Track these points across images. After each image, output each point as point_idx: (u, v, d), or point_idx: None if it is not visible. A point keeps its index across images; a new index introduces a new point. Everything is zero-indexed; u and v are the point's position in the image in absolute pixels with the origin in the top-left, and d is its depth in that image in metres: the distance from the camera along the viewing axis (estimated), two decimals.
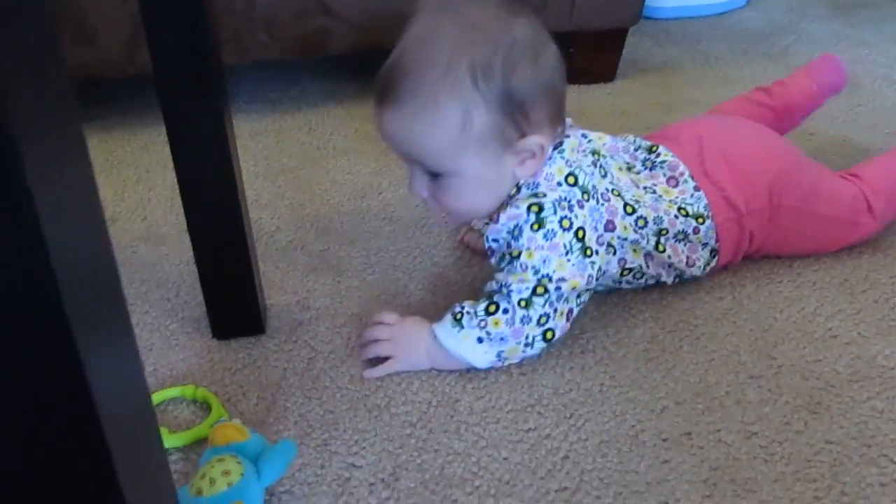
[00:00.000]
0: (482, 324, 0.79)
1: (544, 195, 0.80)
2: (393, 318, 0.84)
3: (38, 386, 0.30)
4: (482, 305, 0.80)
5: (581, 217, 0.80)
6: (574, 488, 0.70)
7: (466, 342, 0.80)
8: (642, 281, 0.90)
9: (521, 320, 0.79)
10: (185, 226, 0.81)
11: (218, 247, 0.83)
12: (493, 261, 0.85)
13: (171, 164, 0.77)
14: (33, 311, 0.28)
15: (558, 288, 0.79)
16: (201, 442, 0.74)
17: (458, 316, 0.80)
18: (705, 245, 0.90)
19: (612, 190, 0.84)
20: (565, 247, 0.79)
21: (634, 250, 0.87)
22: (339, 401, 0.79)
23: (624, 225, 0.84)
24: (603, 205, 0.83)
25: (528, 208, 0.79)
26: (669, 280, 0.91)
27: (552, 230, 0.79)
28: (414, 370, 0.82)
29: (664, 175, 0.91)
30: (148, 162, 1.27)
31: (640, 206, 0.85)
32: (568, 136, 0.84)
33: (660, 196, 0.88)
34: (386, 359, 0.82)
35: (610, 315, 0.90)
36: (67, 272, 0.28)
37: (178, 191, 0.79)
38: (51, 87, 0.30)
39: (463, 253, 1.02)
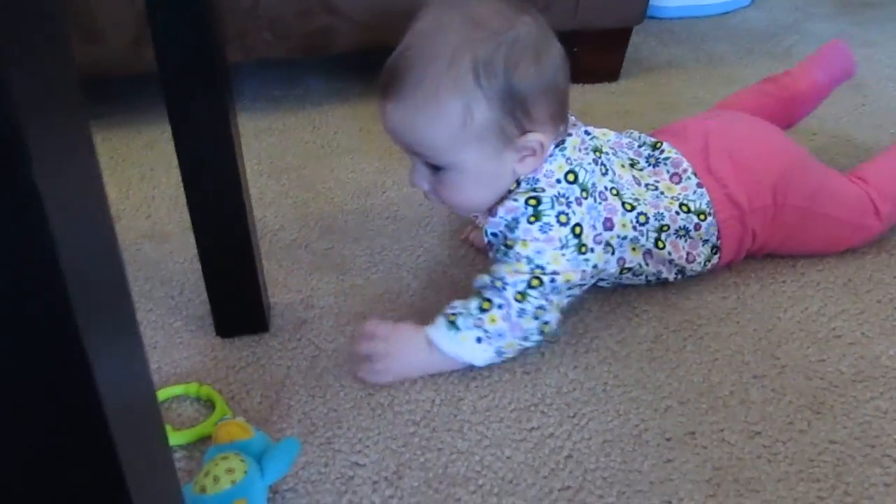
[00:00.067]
0: (479, 323, 0.79)
1: (543, 190, 0.81)
2: (386, 329, 0.81)
3: (46, 383, 0.30)
4: (475, 304, 0.80)
5: (579, 214, 0.81)
6: (577, 487, 0.70)
7: (466, 343, 0.79)
8: (642, 277, 0.90)
9: (518, 314, 0.79)
10: (189, 224, 0.82)
11: (222, 245, 0.83)
12: (491, 254, 0.85)
13: (175, 162, 0.78)
14: (41, 309, 0.28)
15: (552, 280, 0.79)
16: (205, 440, 0.74)
17: (453, 318, 0.80)
18: (706, 242, 0.90)
19: (612, 189, 0.85)
20: (561, 241, 0.80)
21: (633, 249, 0.87)
22: (343, 399, 0.79)
23: (623, 222, 0.84)
24: (601, 203, 0.83)
25: (526, 201, 0.80)
26: (671, 276, 0.91)
27: (548, 223, 0.80)
28: (413, 376, 0.81)
29: (667, 172, 0.91)
30: (152, 160, 1.27)
31: (639, 204, 0.86)
32: (570, 135, 0.84)
33: (662, 192, 0.88)
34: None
35: (614, 314, 0.90)
36: (75, 270, 0.28)
37: (182, 189, 0.79)
38: (59, 85, 0.30)
39: (467, 251, 1.02)
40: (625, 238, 0.85)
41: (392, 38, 0.81)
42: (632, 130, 0.98)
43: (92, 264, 0.31)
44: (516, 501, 0.69)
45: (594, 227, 0.82)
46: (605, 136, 0.93)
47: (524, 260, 0.79)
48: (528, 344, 0.81)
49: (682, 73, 1.57)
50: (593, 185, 0.83)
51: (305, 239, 1.05)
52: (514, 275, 0.79)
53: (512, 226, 0.81)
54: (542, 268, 0.79)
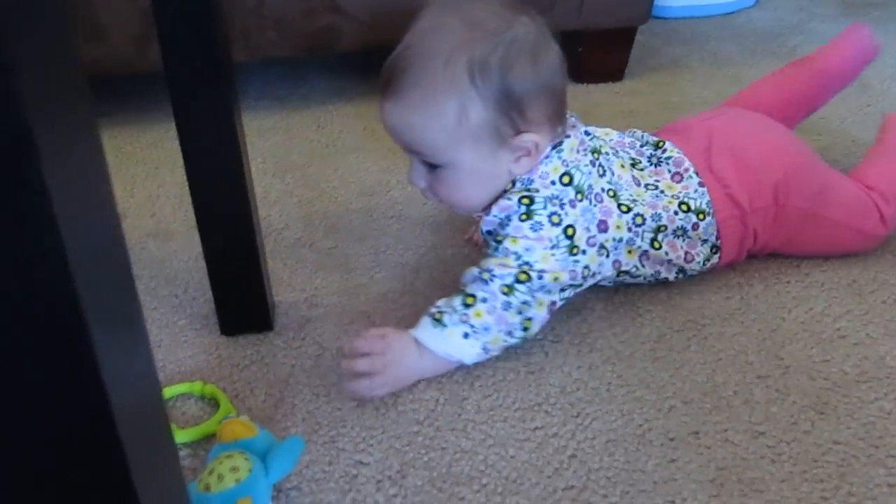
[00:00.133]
0: (464, 318, 0.79)
1: (537, 191, 0.81)
2: (380, 344, 0.79)
3: (53, 380, 0.30)
4: (458, 300, 0.80)
5: (572, 216, 0.81)
6: (581, 487, 0.70)
7: (453, 340, 0.79)
8: (640, 279, 0.90)
9: (503, 307, 0.79)
10: (193, 222, 0.82)
11: (226, 243, 0.83)
12: (485, 251, 0.86)
13: (179, 160, 0.78)
14: (49, 306, 0.28)
15: (540, 277, 0.80)
16: (209, 438, 0.75)
17: (438, 315, 0.80)
18: (705, 241, 0.90)
19: (608, 190, 0.85)
20: (551, 241, 0.80)
21: (629, 251, 0.87)
22: (347, 398, 0.79)
23: (618, 224, 0.84)
24: (596, 205, 0.83)
25: (520, 200, 0.81)
26: (671, 276, 0.91)
27: (539, 222, 0.80)
28: (404, 385, 0.80)
29: (669, 171, 0.91)
30: (157, 158, 1.27)
31: (636, 205, 0.86)
32: (568, 136, 0.84)
33: (662, 191, 0.88)
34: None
35: (617, 314, 0.90)
36: (83, 267, 0.28)
37: (186, 187, 0.79)
38: (67, 84, 0.30)
39: (471, 251, 1.02)
40: (620, 240, 0.85)
41: (396, 37, 0.82)
42: (634, 130, 0.98)
43: (100, 262, 0.31)
44: (520, 500, 0.69)
45: (588, 229, 0.83)
46: (608, 136, 0.93)
47: (512, 255, 0.80)
48: (511, 340, 0.81)
49: (687, 73, 1.57)
50: (589, 186, 0.83)
51: (310, 238, 1.06)
52: (502, 268, 0.80)
53: (504, 223, 0.82)
54: (530, 265, 0.80)
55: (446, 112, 0.78)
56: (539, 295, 0.81)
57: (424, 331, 0.80)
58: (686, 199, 0.88)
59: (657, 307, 0.90)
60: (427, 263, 1.00)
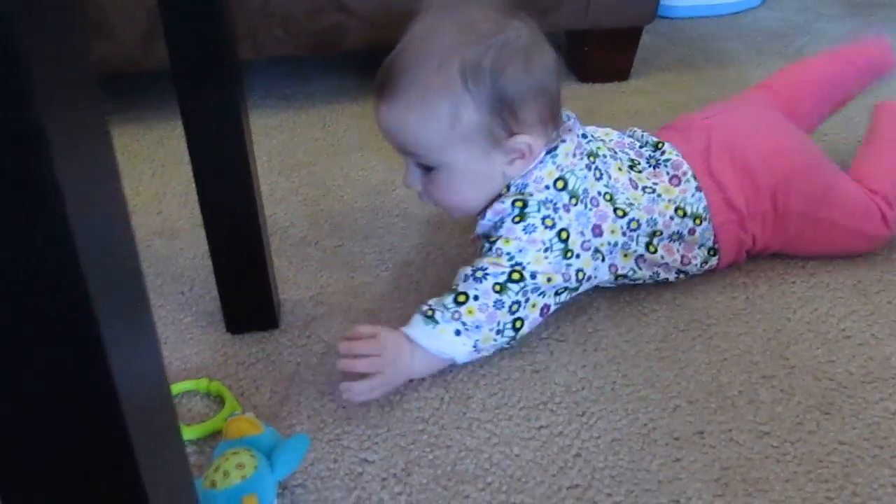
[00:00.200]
0: (456, 315, 0.79)
1: (531, 195, 0.82)
2: (375, 346, 0.78)
3: (63, 375, 0.30)
4: (450, 298, 0.80)
5: (566, 220, 0.82)
6: (586, 486, 0.70)
7: (444, 337, 0.79)
8: (640, 281, 0.90)
9: (495, 304, 0.79)
10: (199, 220, 0.82)
11: (232, 241, 0.83)
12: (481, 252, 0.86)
13: (185, 158, 0.78)
14: (60, 302, 0.29)
15: (533, 277, 0.80)
16: (215, 435, 0.75)
17: (430, 313, 0.80)
18: (702, 245, 0.90)
19: (605, 194, 0.85)
20: (544, 243, 0.81)
21: (625, 255, 0.87)
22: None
23: (612, 228, 0.85)
24: (591, 209, 0.84)
25: (513, 203, 0.82)
26: (671, 277, 0.91)
27: (532, 225, 0.81)
28: (396, 385, 0.80)
29: (667, 174, 0.90)
30: (163, 156, 1.28)
31: (632, 209, 0.86)
32: (564, 141, 0.84)
33: (659, 195, 0.88)
34: (363, 376, 0.77)
35: (622, 313, 0.90)
36: (93, 264, 0.29)
37: (192, 185, 0.80)
38: (77, 80, 0.30)
39: (476, 250, 1.02)
40: (615, 244, 0.85)
41: (401, 36, 0.82)
42: (635, 129, 0.97)
43: (109, 258, 0.31)
44: (525, 499, 0.69)
45: (582, 233, 0.83)
46: (608, 136, 0.93)
47: (505, 256, 0.80)
48: (502, 340, 0.81)
49: (693, 73, 1.56)
50: (584, 191, 0.83)
51: (315, 236, 1.06)
52: (495, 267, 0.80)
53: (498, 225, 0.83)
54: (522, 265, 0.80)
55: (439, 114, 0.79)
56: (532, 296, 0.81)
57: (416, 328, 0.80)
58: (683, 204, 0.88)
59: (662, 307, 0.90)
60: (432, 262, 1.00)
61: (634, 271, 0.88)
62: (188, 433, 0.75)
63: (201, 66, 0.73)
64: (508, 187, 0.84)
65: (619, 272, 0.88)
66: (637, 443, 0.74)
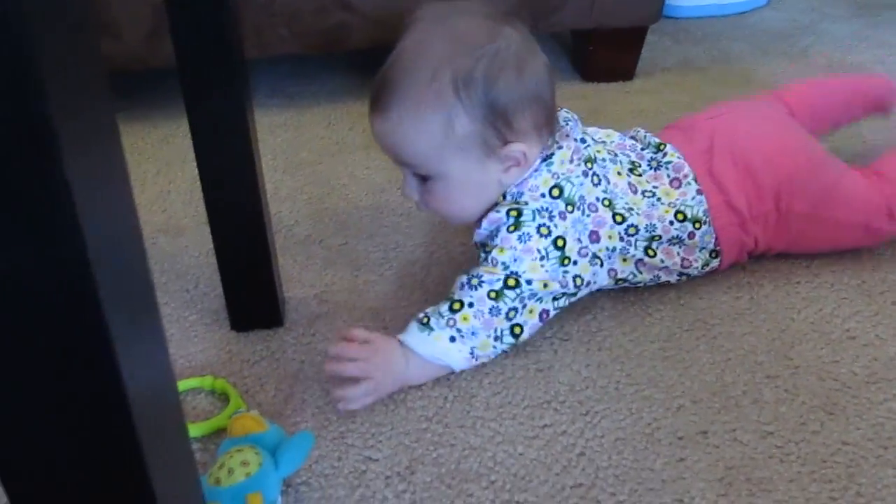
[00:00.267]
0: (451, 322, 0.79)
1: (526, 203, 0.82)
2: (367, 351, 0.78)
3: (72, 372, 0.30)
4: (445, 305, 0.80)
5: (562, 227, 0.82)
6: (589, 485, 0.70)
7: (439, 343, 0.79)
8: (640, 284, 0.90)
9: (490, 311, 0.79)
10: (204, 218, 0.82)
11: (237, 239, 0.84)
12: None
13: (191, 156, 0.78)
14: (68, 299, 0.29)
15: (529, 283, 0.80)
16: (220, 432, 0.75)
17: (425, 320, 0.80)
18: (702, 248, 0.90)
19: (603, 200, 0.85)
20: (539, 252, 0.81)
21: (624, 259, 0.87)
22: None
23: (610, 234, 0.85)
24: (589, 216, 0.84)
25: (508, 212, 0.82)
26: (672, 279, 0.91)
27: (528, 233, 0.81)
28: (389, 392, 0.79)
29: (668, 176, 0.90)
30: (168, 154, 1.28)
31: (631, 215, 0.85)
32: (560, 147, 0.84)
33: (659, 199, 0.88)
34: (355, 381, 0.77)
35: (627, 313, 0.90)
36: (102, 261, 0.29)
37: (197, 183, 0.80)
38: (87, 77, 0.30)
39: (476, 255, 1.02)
40: (613, 250, 0.85)
41: (395, 45, 0.83)
42: (638, 129, 0.97)
43: (118, 255, 0.32)
44: (528, 498, 0.69)
45: (579, 240, 0.83)
46: (609, 138, 0.93)
47: (500, 265, 0.80)
48: (501, 346, 0.81)
49: (698, 73, 1.56)
50: (581, 197, 0.83)
51: (320, 235, 1.06)
52: (490, 274, 0.80)
53: (494, 234, 0.83)
54: (517, 274, 0.80)
55: (433, 125, 0.79)
56: (529, 303, 0.81)
57: (411, 335, 0.80)
58: (683, 208, 0.88)
59: (666, 306, 0.90)
60: (437, 260, 1.00)
61: (635, 275, 0.88)
62: (193, 431, 0.75)
63: (207, 65, 0.73)
64: (505, 196, 0.84)
65: (619, 276, 0.88)
66: (641, 442, 0.74)
